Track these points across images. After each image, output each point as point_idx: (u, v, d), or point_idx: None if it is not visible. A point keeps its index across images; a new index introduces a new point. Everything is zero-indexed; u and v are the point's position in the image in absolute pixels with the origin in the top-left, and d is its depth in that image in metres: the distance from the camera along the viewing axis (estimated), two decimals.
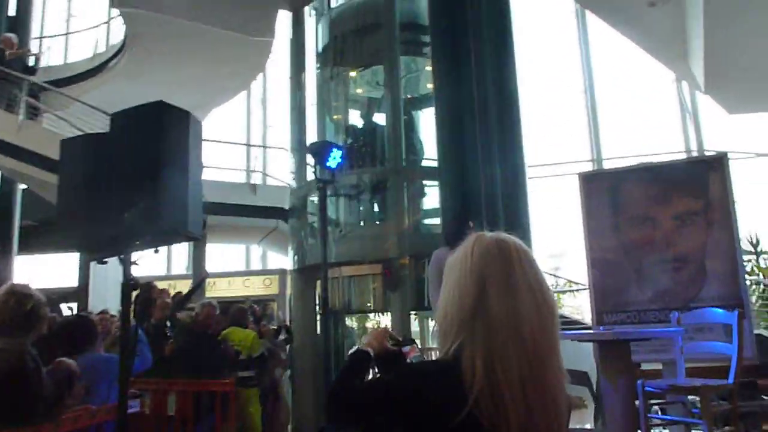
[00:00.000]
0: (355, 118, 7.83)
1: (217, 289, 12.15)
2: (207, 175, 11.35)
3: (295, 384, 6.69)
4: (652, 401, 4.14)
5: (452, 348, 1.17)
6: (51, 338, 3.61)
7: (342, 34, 7.39)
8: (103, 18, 14.07)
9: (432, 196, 6.89)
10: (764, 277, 10.01)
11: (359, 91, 8.05)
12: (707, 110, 14.00)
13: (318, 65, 7.71)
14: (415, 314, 6.83)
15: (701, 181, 4.98)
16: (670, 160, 5.45)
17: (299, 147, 7.37)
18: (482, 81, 5.97)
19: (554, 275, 15.00)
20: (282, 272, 12.35)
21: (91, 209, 2.59)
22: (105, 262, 2.96)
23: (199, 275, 9.60)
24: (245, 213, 12.15)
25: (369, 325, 7.83)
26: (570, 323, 9.43)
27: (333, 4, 7.98)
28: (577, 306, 13.48)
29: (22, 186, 10.79)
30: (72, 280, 11.77)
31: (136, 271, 2.74)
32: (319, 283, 6.07)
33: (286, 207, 7.81)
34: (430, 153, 6.71)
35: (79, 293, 11.23)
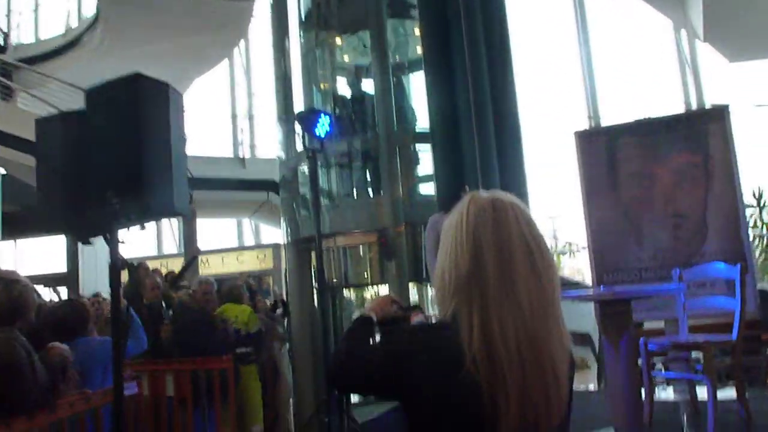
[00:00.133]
0: (343, 87, 7.75)
1: (211, 266, 12.19)
2: (193, 149, 11.27)
3: (294, 358, 6.76)
4: (655, 359, 4.20)
5: (450, 310, 1.19)
6: (41, 325, 3.62)
7: None
8: None
9: (426, 162, 6.86)
10: None
11: (346, 58, 7.96)
12: (707, 60, 13.93)
13: (301, 32, 7.60)
14: (414, 285, 6.87)
15: (701, 135, 4.97)
16: (669, 114, 5.42)
17: (286, 116, 7.31)
18: (473, 40, 5.90)
19: (553, 236, 15.14)
20: (276, 246, 12.39)
21: (71, 190, 2.58)
22: (90, 243, 2.96)
23: (191, 253, 9.61)
24: (235, 187, 12.15)
25: (367, 296, 7.89)
26: (570, 284, 9.54)
27: None
28: (577, 267, 13.64)
29: (2, 171, 10.71)
30: (62, 265, 11.78)
31: (124, 251, 2.74)
32: (314, 255, 6.08)
33: (277, 179, 7.79)
34: (423, 120, 6.67)
35: (69, 277, 11.24)
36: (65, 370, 2.98)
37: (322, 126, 5.50)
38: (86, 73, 9.71)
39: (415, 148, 6.91)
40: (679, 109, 13.37)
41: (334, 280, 6.57)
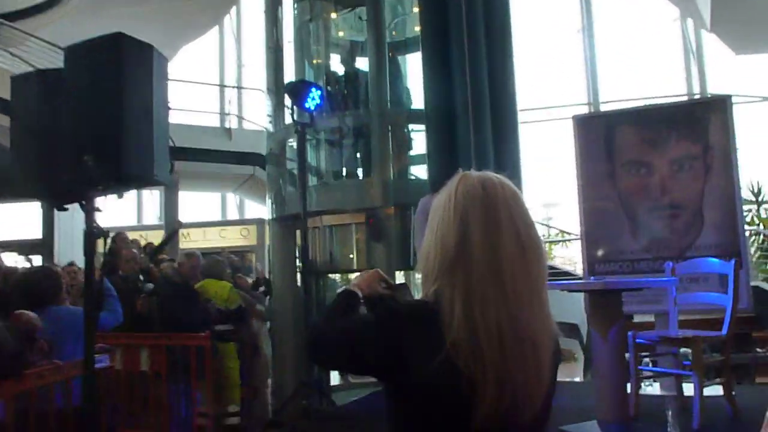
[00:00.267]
0: (337, 64, 7.68)
1: (192, 240, 12.16)
2: (178, 118, 11.18)
3: (274, 338, 6.76)
4: (643, 354, 4.24)
5: (432, 291, 1.18)
6: (11, 291, 3.59)
7: None
8: None
9: (419, 142, 6.84)
10: (764, 228, 10.17)
11: (341, 34, 7.87)
12: (712, 51, 13.93)
13: (295, 3, 7.50)
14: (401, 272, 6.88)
15: (701, 125, 4.98)
16: (669, 102, 5.42)
17: (276, 88, 7.23)
18: (473, 20, 5.85)
19: (546, 225, 15.19)
20: (260, 222, 12.37)
21: (46, 152, 2.54)
22: (66, 209, 2.92)
23: (172, 226, 9.55)
24: (220, 159, 12.05)
25: (352, 276, 7.88)
26: (560, 274, 9.59)
27: None
28: (569, 257, 13.71)
29: None
30: (37, 232, 11.67)
31: (102, 220, 2.70)
32: (299, 233, 6.06)
33: (263, 152, 7.73)
34: (418, 102, 6.63)
35: (44, 245, 11.14)
36: (33, 339, 2.95)
37: (313, 99, 5.47)
38: (68, 34, 9.56)
39: (408, 128, 6.87)
40: (683, 98, 13.39)
41: (318, 265, 6.54)
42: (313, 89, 5.41)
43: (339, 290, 1.50)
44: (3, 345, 2.69)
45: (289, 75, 7.23)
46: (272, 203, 7.10)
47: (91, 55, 2.52)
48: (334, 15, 7.65)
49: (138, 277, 5.84)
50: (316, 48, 7.65)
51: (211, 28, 15.09)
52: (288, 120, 6.71)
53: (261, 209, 13.77)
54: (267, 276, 7.61)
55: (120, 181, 2.60)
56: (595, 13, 14.73)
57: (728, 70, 14.03)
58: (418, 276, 1.28)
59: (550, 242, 13.62)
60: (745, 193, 9.66)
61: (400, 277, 6.90)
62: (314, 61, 7.62)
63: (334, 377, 6.99)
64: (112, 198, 2.78)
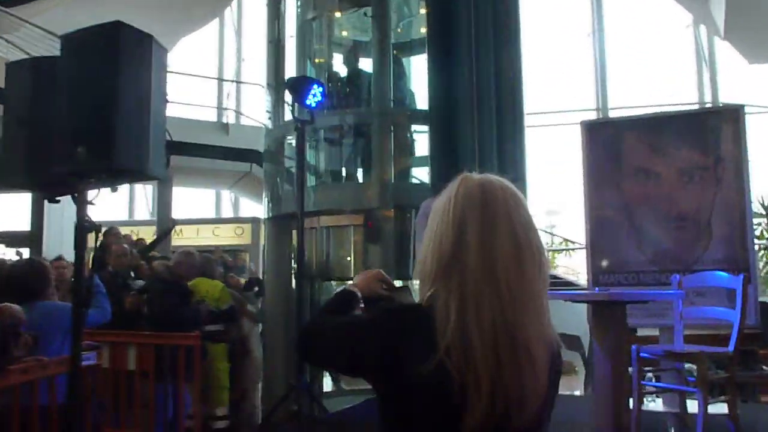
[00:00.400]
0: (340, 65, 7.68)
1: (185, 237, 12.13)
2: (174, 111, 11.16)
3: (265, 340, 6.75)
4: (646, 368, 4.24)
5: (428, 295, 1.19)
6: None
7: None
8: None
9: (421, 144, 6.83)
10: None
11: (344, 33, 7.87)
12: (725, 59, 13.94)
13: (298, 5, 7.49)
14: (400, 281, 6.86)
15: (712, 135, 4.97)
16: (680, 110, 5.42)
17: (276, 83, 7.23)
18: (481, 18, 5.86)
19: (550, 233, 15.19)
20: (255, 221, 12.34)
21: (38, 142, 2.53)
22: (57, 201, 2.92)
23: (166, 224, 9.53)
24: (216, 154, 12.04)
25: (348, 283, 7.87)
26: (563, 284, 9.59)
27: None
28: (573, 266, 13.70)
29: None
30: (25, 223, 11.64)
31: (93, 213, 2.70)
32: (294, 233, 6.05)
33: (261, 149, 7.72)
34: (422, 105, 6.63)
35: (32, 237, 11.12)
36: (18, 334, 2.95)
37: (314, 96, 5.46)
38: (64, 22, 9.56)
39: (410, 129, 6.87)
40: (694, 107, 13.39)
41: (313, 267, 6.52)
42: (315, 86, 5.40)
43: (338, 290, 1.51)
44: None
45: (290, 72, 7.22)
46: (268, 202, 7.10)
47: (88, 44, 2.51)
48: (338, 14, 7.65)
49: (128, 273, 5.83)
50: (318, 47, 7.64)
51: (212, 20, 15.10)
52: (288, 117, 6.71)
53: (256, 207, 13.75)
54: (260, 276, 7.61)
55: (113, 174, 2.60)
56: (606, 17, 14.75)
57: (741, 80, 14.03)
58: (417, 282, 1.28)
59: (554, 251, 13.63)
60: (755, 206, 9.66)
61: (398, 283, 6.87)
62: (316, 61, 7.62)
63: (327, 383, 6.98)
64: (104, 191, 2.78)
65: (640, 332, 5.62)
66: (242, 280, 7.29)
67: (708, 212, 4.89)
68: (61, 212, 10.18)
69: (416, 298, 1.34)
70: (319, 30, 7.59)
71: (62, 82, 2.52)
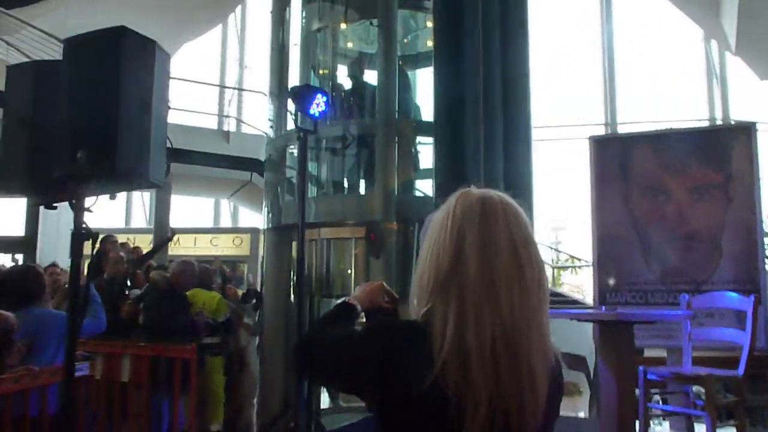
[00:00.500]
0: (344, 76, 7.71)
1: (182, 247, 12.14)
2: (174, 117, 11.19)
3: (262, 354, 6.73)
4: (654, 390, 4.22)
5: (424, 311, 1.19)
6: None
7: None
8: None
9: (426, 156, 6.84)
10: None
11: (350, 45, 7.91)
12: (736, 75, 13.98)
13: (304, 11, 7.54)
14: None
15: (724, 152, 4.98)
16: (691, 127, 5.43)
17: (279, 91, 7.26)
18: (488, 28, 5.89)
19: (555, 249, 15.16)
20: (254, 231, 12.35)
21: (37, 146, 2.54)
22: (54, 208, 2.92)
23: (165, 234, 9.55)
24: (216, 163, 12.05)
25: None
26: (569, 302, 9.55)
27: None
28: (579, 284, 13.66)
29: None
30: (19, 228, 11.65)
31: (90, 220, 2.70)
32: (294, 245, 6.04)
33: (262, 158, 7.74)
34: (427, 118, 6.65)
35: (27, 243, 11.13)
36: (10, 341, 2.94)
37: (318, 105, 5.47)
38: (66, 25, 9.63)
39: (415, 141, 6.88)
40: (704, 123, 13.42)
41: (313, 279, 6.51)
42: (319, 95, 5.41)
43: (338, 302, 1.51)
44: None
45: (294, 81, 7.25)
46: (268, 212, 7.09)
47: (91, 48, 2.53)
48: (343, 25, 7.69)
49: (124, 281, 5.84)
50: (322, 58, 7.67)
51: (215, 27, 15.19)
52: (290, 125, 6.72)
53: (255, 218, 13.77)
54: (258, 288, 7.60)
55: (113, 180, 2.60)
56: (616, 31, 14.81)
57: (752, 95, 14.07)
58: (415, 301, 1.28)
59: (559, 268, 13.60)
60: (767, 225, 9.64)
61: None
62: (320, 72, 7.65)
63: (324, 400, 6.95)
64: (103, 198, 2.78)
65: (647, 353, 5.60)
66: (240, 292, 7.28)
67: (718, 231, 4.89)
68: (57, 218, 10.20)
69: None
70: (324, 40, 7.63)
71: (64, 86, 2.53)
